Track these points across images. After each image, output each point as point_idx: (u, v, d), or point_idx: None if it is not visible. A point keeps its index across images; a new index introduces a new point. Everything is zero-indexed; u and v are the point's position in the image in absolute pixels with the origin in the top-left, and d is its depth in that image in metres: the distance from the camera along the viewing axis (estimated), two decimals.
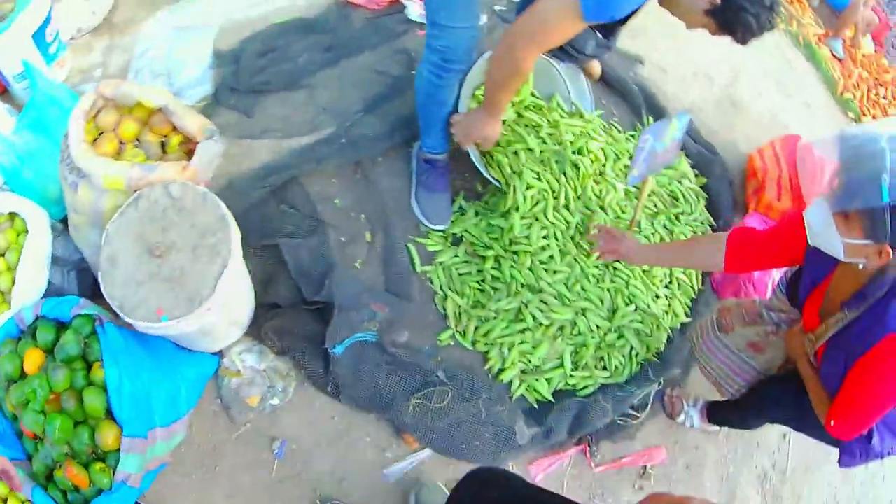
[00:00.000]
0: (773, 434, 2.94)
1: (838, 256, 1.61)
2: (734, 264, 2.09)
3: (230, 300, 1.85)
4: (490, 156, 2.54)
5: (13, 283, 1.89)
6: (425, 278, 2.48)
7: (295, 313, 2.25)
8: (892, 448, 1.91)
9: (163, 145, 1.97)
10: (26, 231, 1.97)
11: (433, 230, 2.55)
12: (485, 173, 2.49)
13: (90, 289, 2.07)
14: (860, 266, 1.61)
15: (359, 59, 2.80)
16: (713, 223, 2.93)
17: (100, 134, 1.89)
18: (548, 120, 2.61)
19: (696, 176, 3.01)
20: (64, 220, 2.11)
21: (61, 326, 1.80)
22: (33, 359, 1.73)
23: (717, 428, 2.73)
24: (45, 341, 1.75)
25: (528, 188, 2.44)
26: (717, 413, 2.61)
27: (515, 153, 2.49)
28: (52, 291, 1.96)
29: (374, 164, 2.60)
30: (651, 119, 3.04)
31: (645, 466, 2.59)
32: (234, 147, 2.54)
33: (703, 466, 2.71)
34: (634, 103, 3.00)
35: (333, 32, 2.84)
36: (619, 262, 2.54)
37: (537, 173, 2.48)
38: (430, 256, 2.52)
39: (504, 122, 2.51)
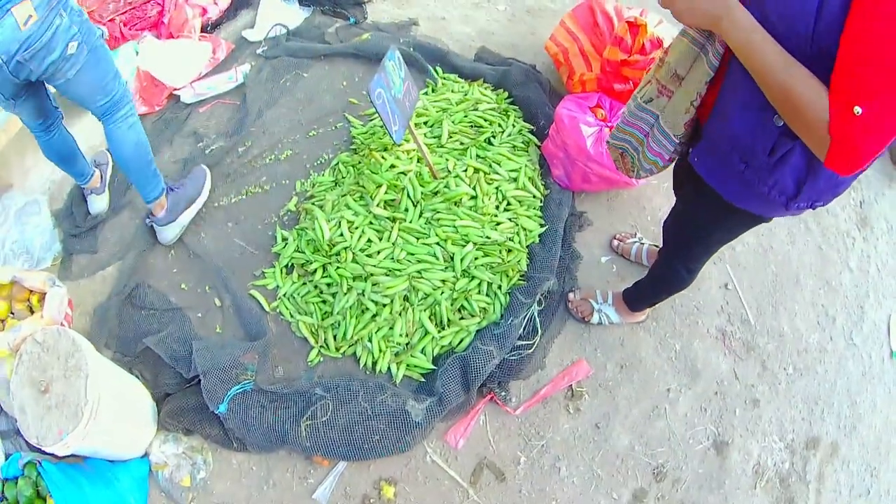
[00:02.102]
0: (713, 289, 2.75)
1: None
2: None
3: (117, 404, 2.06)
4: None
5: None
6: (276, 314, 2.54)
7: (183, 394, 2.37)
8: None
9: (31, 308, 2.39)
10: None
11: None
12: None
13: None
14: None
15: (160, 161, 2.94)
16: (532, 128, 2.82)
17: None
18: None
19: (500, 93, 2.93)
20: None
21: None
22: None
23: (643, 316, 2.58)
24: (11, 497, 2.09)
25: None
26: (635, 293, 2.42)
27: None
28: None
29: (197, 238, 2.72)
30: (440, 69, 3.02)
31: (571, 387, 2.47)
32: (92, 283, 2.74)
33: (638, 359, 2.56)
34: (417, 65, 2.99)
35: None
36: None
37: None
38: (274, 294, 2.57)
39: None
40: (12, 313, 2.37)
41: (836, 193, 1.43)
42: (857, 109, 1.03)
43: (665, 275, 2.17)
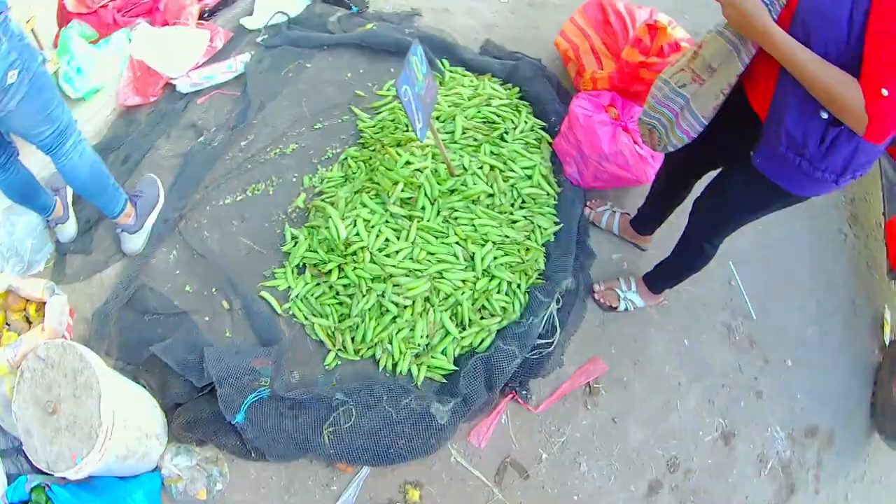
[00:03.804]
0: (717, 285, 2.82)
1: None
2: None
3: (128, 419, 1.96)
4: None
5: None
6: (289, 316, 2.48)
7: (194, 404, 2.29)
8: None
9: (27, 318, 2.26)
10: None
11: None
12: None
13: None
14: None
15: (157, 154, 2.84)
16: (544, 124, 2.82)
17: None
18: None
19: (510, 89, 2.91)
20: None
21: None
22: None
23: (663, 297, 2.65)
24: None
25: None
26: (657, 275, 2.52)
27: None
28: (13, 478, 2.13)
29: (200, 237, 2.63)
30: (446, 62, 2.98)
31: (588, 384, 2.50)
32: (89, 287, 2.63)
33: (650, 355, 2.61)
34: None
35: (126, 141, 2.90)
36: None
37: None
38: (286, 295, 2.51)
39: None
40: (8, 325, 2.24)
41: (872, 162, 1.65)
42: (885, 91, 1.32)
43: (692, 254, 2.30)
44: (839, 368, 2.83)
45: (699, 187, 2.15)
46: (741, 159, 1.78)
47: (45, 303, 2.22)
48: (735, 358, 2.71)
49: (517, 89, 2.90)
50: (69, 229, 2.68)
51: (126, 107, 2.97)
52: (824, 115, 1.50)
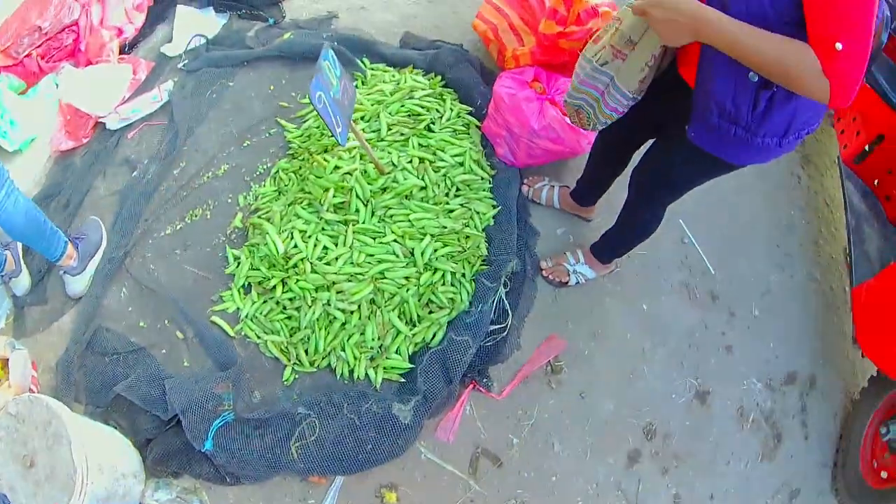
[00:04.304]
0: (670, 245, 2.79)
1: None
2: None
3: (103, 462, 1.96)
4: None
5: None
6: (242, 337, 2.46)
7: (164, 437, 2.27)
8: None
9: None
10: None
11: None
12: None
13: None
14: None
15: (96, 195, 2.83)
16: (471, 109, 2.79)
17: None
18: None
19: (433, 78, 2.88)
20: None
21: None
22: None
23: (614, 265, 2.62)
24: None
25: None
26: (604, 246, 2.48)
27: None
28: None
29: (146, 271, 2.62)
30: (367, 60, 2.96)
31: (549, 363, 2.47)
32: (49, 336, 2.62)
33: (609, 325, 2.59)
34: (343, 58, 2.90)
35: (65, 186, 2.89)
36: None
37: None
38: (236, 316, 2.49)
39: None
40: None
41: (820, 115, 1.58)
42: (838, 45, 1.24)
43: (636, 224, 2.27)
44: (809, 310, 2.80)
45: (638, 155, 2.10)
46: (677, 132, 1.72)
47: (6, 359, 2.22)
48: (699, 316, 2.68)
49: (440, 78, 2.86)
50: (23, 282, 2.67)
51: (61, 152, 2.95)
52: (754, 78, 1.44)
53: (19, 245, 2.67)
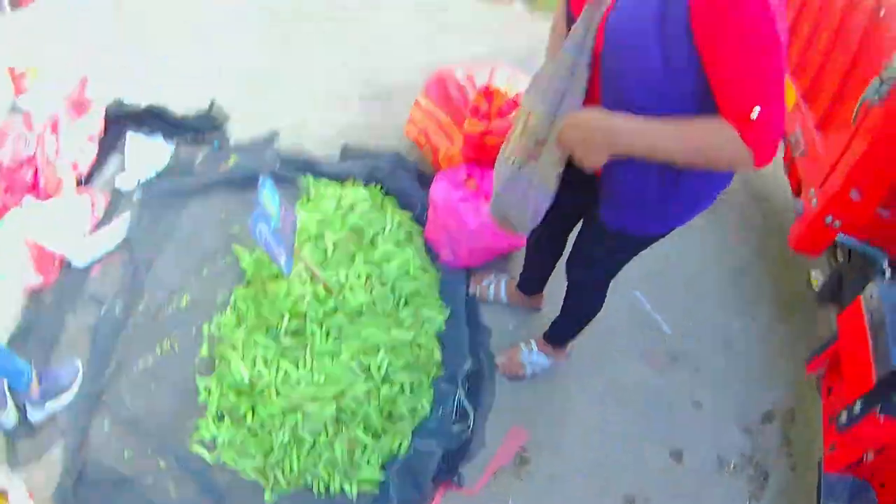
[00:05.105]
0: (623, 314, 2.85)
1: None
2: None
3: None
4: None
5: None
6: (222, 463, 2.54)
7: None
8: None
9: None
10: None
11: None
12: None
13: None
14: None
15: (68, 333, 2.95)
16: (412, 214, 2.91)
17: None
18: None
19: (373, 188, 3.00)
20: None
21: None
22: None
23: (570, 348, 2.67)
24: None
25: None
26: (554, 333, 2.54)
27: None
28: None
29: (124, 407, 2.75)
30: (310, 177, 3.08)
31: (517, 453, 2.58)
32: (41, 467, 2.71)
33: (572, 406, 2.65)
34: (287, 180, 3.03)
35: (37, 325, 3.01)
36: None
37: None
38: (213, 443, 2.60)
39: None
40: None
41: (734, 173, 1.62)
42: (755, 112, 1.23)
43: (580, 307, 2.34)
44: (776, 344, 2.81)
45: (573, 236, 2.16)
46: (594, 215, 1.79)
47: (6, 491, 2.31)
48: (662, 378, 2.74)
49: (380, 186, 2.99)
50: (10, 416, 2.80)
51: (31, 289, 3.07)
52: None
53: (4, 381, 2.80)
